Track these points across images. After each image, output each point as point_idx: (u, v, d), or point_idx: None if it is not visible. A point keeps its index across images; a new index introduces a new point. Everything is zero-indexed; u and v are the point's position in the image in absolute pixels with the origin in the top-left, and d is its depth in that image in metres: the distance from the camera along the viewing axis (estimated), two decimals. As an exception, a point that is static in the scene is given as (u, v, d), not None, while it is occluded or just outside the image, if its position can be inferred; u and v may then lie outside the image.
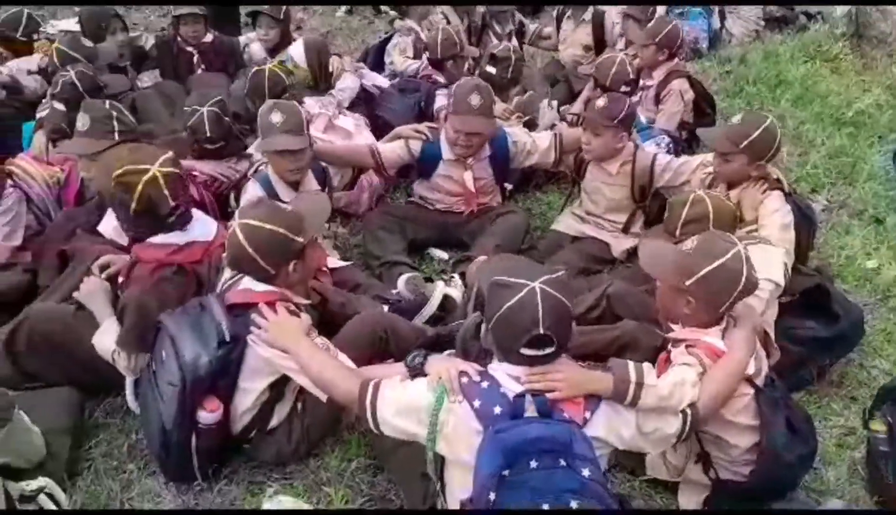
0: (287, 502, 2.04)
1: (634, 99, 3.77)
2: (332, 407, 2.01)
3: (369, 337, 2.23)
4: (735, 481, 1.96)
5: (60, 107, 3.29)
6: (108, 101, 2.82)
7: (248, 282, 2.05)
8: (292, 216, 2.06)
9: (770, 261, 2.29)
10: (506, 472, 1.56)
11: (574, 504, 1.54)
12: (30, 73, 3.87)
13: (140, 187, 2.10)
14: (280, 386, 2.09)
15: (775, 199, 2.59)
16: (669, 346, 1.99)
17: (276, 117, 2.70)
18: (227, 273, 2.17)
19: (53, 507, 1.92)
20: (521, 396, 1.64)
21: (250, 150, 3.22)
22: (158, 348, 2.03)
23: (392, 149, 3.20)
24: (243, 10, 5.29)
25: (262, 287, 2.03)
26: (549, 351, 1.65)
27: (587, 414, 1.67)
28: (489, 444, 1.58)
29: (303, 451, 2.20)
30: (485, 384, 1.68)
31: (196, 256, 2.22)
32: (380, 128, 3.70)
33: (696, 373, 1.81)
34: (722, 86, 5.10)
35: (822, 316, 2.55)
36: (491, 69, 4.03)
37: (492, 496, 1.55)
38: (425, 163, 3.22)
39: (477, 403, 1.65)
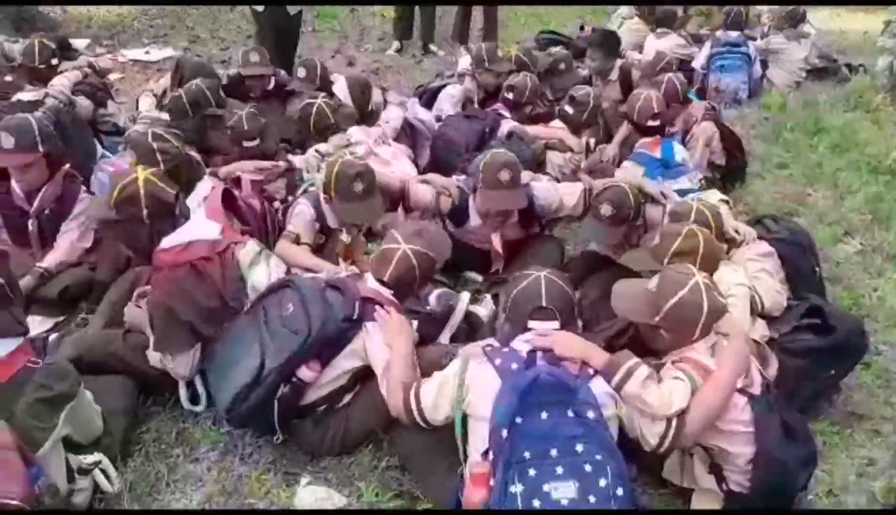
0: (319, 491, 2.16)
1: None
2: (377, 417, 2.26)
3: None
4: (745, 494, 2.01)
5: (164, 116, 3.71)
6: (150, 132, 3.05)
7: (373, 283, 2.38)
8: (439, 245, 2.51)
9: (734, 271, 2.51)
10: (519, 420, 1.79)
11: (579, 448, 1.79)
12: (73, 90, 4.16)
13: (142, 192, 2.37)
14: (357, 376, 2.30)
15: (751, 249, 2.74)
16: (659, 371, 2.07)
17: (360, 186, 2.92)
18: (331, 269, 2.72)
19: (105, 482, 2.06)
20: (532, 352, 1.94)
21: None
22: (284, 300, 2.26)
23: (423, 194, 3.26)
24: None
25: (388, 292, 2.36)
26: (552, 325, 1.99)
27: (588, 372, 1.93)
28: (505, 389, 1.85)
29: (336, 449, 2.32)
30: (504, 349, 1.98)
31: (202, 252, 2.37)
32: (426, 166, 4.01)
33: (686, 386, 1.94)
34: (761, 132, 5.19)
35: (819, 330, 2.57)
36: (569, 109, 4.21)
37: (504, 433, 1.78)
38: (455, 217, 3.28)
39: (497, 361, 1.93)
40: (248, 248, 2.51)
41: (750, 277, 2.58)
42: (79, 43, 5.69)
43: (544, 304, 2.01)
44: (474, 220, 3.26)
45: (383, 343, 2.22)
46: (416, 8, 7.00)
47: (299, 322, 2.17)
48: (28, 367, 1.85)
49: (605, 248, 3.20)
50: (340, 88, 4.24)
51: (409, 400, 2.04)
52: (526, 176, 3.28)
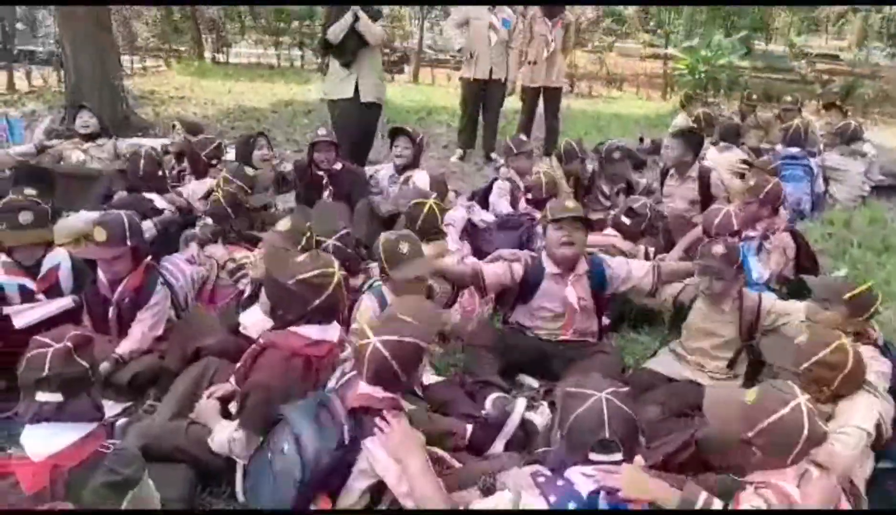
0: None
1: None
2: None
3: None
4: None
5: (209, 221, 3.86)
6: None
7: (366, 387, 2.22)
8: (421, 327, 2.26)
9: (867, 409, 2.29)
10: None
11: None
12: (199, 198, 4.50)
13: (331, 288, 2.48)
14: (378, 492, 2.22)
15: (868, 350, 2.59)
16: (738, 491, 1.98)
17: (405, 247, 3.04)
18: (338, 372, 2.40)
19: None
20: (594, 493, 1.78)
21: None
22: (279, 439, 2.22)
23: (494, 270, 3.40)
24: (380, 131, 6.13)
25: (382, 393, 2.21)
26: (616, 457, 1.82)
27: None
28: None
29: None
30: (560, 482, 1.83)
31: (323, 352, 2.48)
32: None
33: None
34: (825, 248, 5.11)
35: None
36: (626, 220, 4.28)
37: None
38: (527, 284, 3.38)
39: (553, 498, 1.79)
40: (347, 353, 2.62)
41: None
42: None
43: (608, 436, 1.87)
44: (549, 268, 3.33)
45: (390, 459, 2.11)
46: (480, 118, 7.33)
47: (294, 464, 2.13)
48: (99, 452, 1.93)
49: (714, 288, 3.13)
50: (423, 182, 4.48)
51: None
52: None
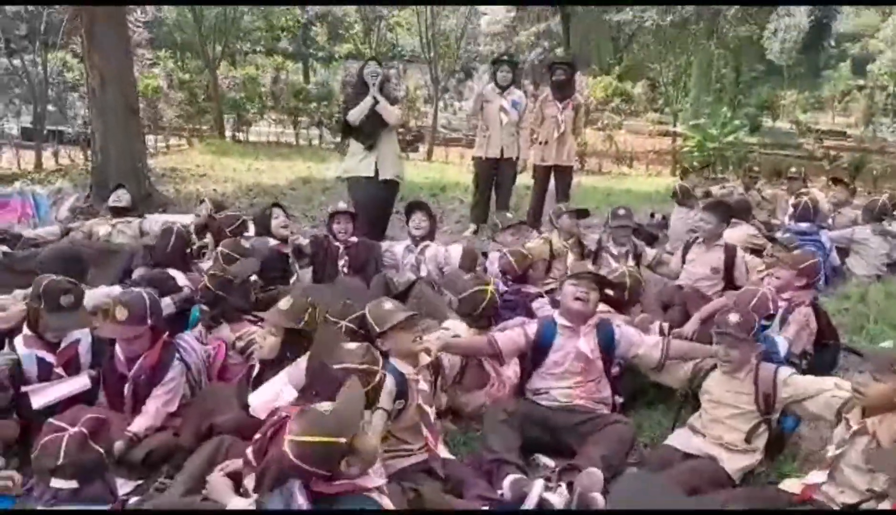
0: None
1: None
2: None
3: None
4: None
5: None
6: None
7: None
8: (330, 419, 2.16)
9: None
10: None
11: None
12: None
13: (374, 384, 2.59)
14: None
15: None
16: None
17: (388, 304, 3.14)
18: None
19: None
20: None
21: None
22: None
23: (509, 337, 3.50)
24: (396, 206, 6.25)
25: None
26: None
27: None
28: None
29: None
30: None
31: None
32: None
33: None
34: (841, 322, 5.06)
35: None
36: (608, 291, 4.30)
37: None
38: (541, 345, 3.45)
39: None
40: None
41: None
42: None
43: None
44: (560, 321, 3.44)
45: None
46: (493, 193, 7.48)
47: None
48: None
49: (730, 356, 3.15)
50: (455, 254, 4.68)
51: None
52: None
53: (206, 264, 4.76)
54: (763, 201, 7.81)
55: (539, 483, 2.75)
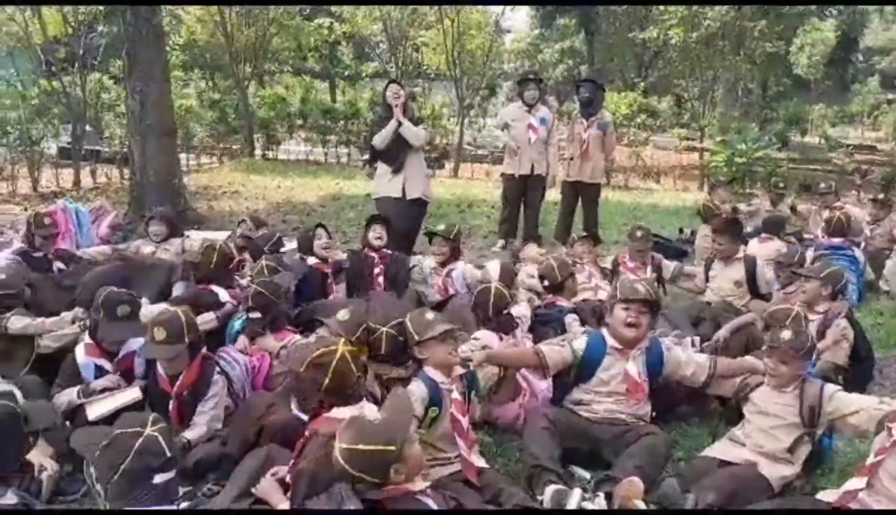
0: None
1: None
2: None
3: None
4: None
5: (254, 314, 3.97)
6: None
7: None
8: (381, 428, 2.23)
9: None
10: None
11: None
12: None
13: (335, 362, 2.57)
14: None
15: None
16: None
17: (429, 314, 3.21)
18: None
19: None
20: None
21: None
22: None
23: (555, 350, 3.48)
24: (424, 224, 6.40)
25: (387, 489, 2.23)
26: None
27: None
28: None
29: None
30: None
31: None
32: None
33: None
34: (875, 337, 5.03)
35: None
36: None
37: None
38: (588, 360, 3.45)
39: None
40: None
41: None
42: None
43: None
44: (610, 342, 3.42)
45: None
46: (522, 209, 7.56)
47: None
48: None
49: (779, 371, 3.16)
50: (494, 270, 4.77)
51: None
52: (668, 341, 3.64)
53: (244, 281, 4.88)
54: (793, 215, 7.78)
55: (577, 492, 2.79)
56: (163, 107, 8.10)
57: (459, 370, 3.22)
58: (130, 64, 7.90)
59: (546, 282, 4.73)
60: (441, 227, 5.38)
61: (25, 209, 8.58)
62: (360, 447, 2.17)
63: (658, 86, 23.78)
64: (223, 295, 4.29)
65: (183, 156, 12.94)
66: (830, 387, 3.17)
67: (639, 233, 5.51)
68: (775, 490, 3.05)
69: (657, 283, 5.07)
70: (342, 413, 2.57)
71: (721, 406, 3.64)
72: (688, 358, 3.49)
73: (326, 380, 2.58)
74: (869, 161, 15.86)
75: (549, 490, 2.81)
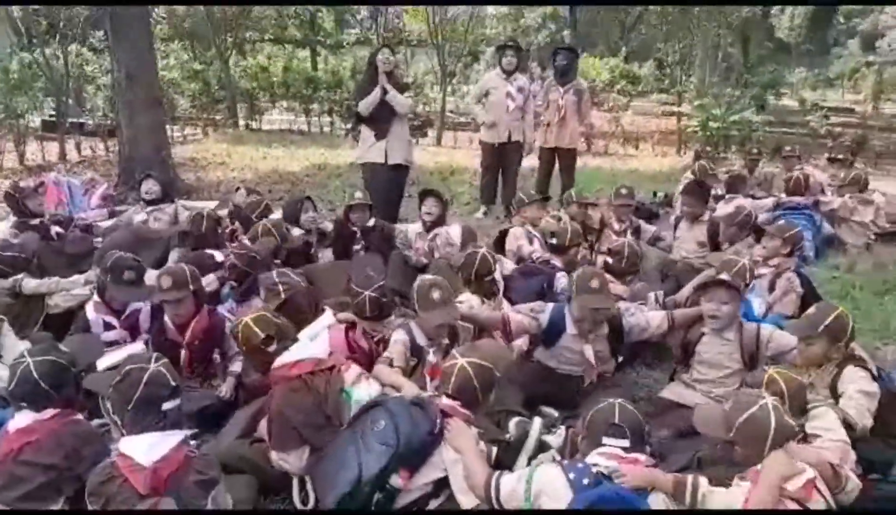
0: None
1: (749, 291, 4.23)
2: None
3: None
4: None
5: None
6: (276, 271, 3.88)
7: (448, 401, 2.72)
8: (496, 358, 2.84)
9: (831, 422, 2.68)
10: None
11: None
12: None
13: (240, 335, 3.12)
14: (440, 486, 2.62)
15: (858, 371, 2.95)
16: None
17: (436, 294, 3.44)
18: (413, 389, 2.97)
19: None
20: (603, 475, 2.19)
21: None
22: (376, 417, 2.67)
23: (521, 320, 3.77)
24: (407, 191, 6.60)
25: (461, 409, 2.70)
26: (624, 443, 2.25)
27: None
28: (575, 502, 2.13)
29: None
30: (580, 464, 2.26)
31: (308, 368, 2.87)
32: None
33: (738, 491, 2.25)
34: (829, 290, 5.39)
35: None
36: (609, 260, 4.70)
37: None
38: (549, 334, 3.75)
39: (571, 475, 2.21)
40: (353, 370, 3.01)
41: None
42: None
43: (617, 422, 2.32)
44: (569, 328, 3.68)
45: (452, 452, 2.59)
46: (500, 174, 7.83)
47: (389, 436, 2.57)
48: (188, 457, 2.32)
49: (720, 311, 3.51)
50: (455, 233, 4.99)
51: (490, 487, 2.41)
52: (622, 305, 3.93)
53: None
54: (765, 182, 8.08)
55: (538, 421, 3.12)
56: (149, 79, 8.24)
57: (443, 342, 3.53)
58: (115, 35, 8.00)
59: (555, 241, 4.97)
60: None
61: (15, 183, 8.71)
62: (483, 362, 2.79)
63: (640, 52, 23.91)
64: (219, 256, 4.55)
65: (168, 127, 13.04)
66: (766, 329, 3.52)
67: (623, 191, 5.84)
68: None
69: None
70: (284, 358, 2.93)
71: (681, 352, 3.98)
72: (647, 322, 3.79)
73: (242, 348, 3.19)
74: (843, 123, 16.17)
75: (513, 421, 3.13)
